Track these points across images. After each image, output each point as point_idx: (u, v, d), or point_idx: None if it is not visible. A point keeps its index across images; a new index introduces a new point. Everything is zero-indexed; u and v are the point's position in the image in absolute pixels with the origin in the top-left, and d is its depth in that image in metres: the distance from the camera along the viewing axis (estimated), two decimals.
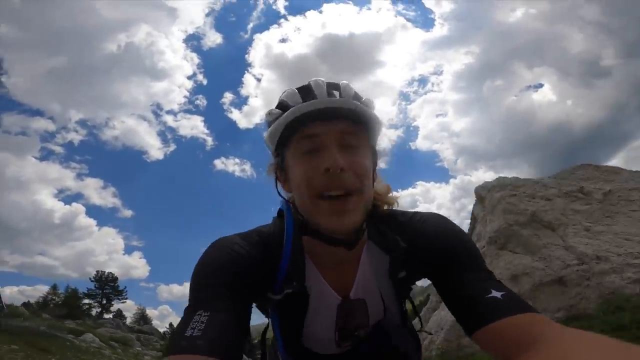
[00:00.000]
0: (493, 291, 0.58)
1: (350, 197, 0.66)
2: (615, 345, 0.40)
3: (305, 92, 0.70)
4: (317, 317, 0.76)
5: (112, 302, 40.31)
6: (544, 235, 6.51)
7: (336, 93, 0.70)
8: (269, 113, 0.75)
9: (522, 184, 8.03)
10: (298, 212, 0.73)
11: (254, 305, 0.72)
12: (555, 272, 5.63)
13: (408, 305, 0.89)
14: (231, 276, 0.63)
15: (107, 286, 39.76)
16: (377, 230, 0.74)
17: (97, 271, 40.87)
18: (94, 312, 37.92)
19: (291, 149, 0.71)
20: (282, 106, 0.72)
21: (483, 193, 8.40)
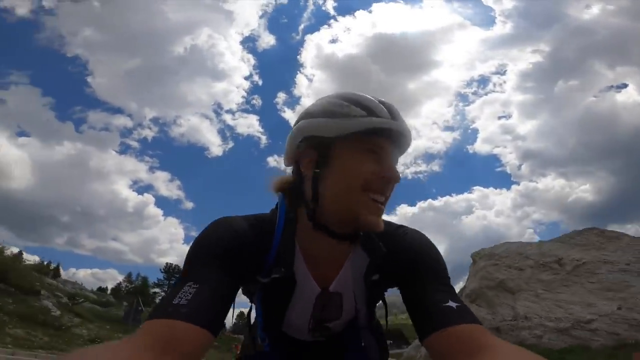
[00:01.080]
0: (450, 301, 0.63)
1: (382, 209, 0.74)
2: (536, 357, 0.50)
3: (388, 107, 0.73)
4: (296, 304, 0.80)
5: None
6: (503, 297, 10.02)
7: (403, 122, 0.75)
8: (348, 107, 0.73)
9: (506, 255, 10.85)
10: (310, 203, 0.75)
11: (239, 290, 0.76)
12: (496, 322, 9.20)
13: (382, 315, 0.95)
14: (225, 252, 0.67)
15: (174, 277, 42.54)
16: (365, 234, 0.78)
17: (167, 263, 45.17)
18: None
19: (356, 143, 0.72)
20: (364, 107, 0.72)
21: (476, 259, 11.91)
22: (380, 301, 0.90)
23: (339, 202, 0.73)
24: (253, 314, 0.92)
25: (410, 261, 0.74)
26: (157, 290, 43.02)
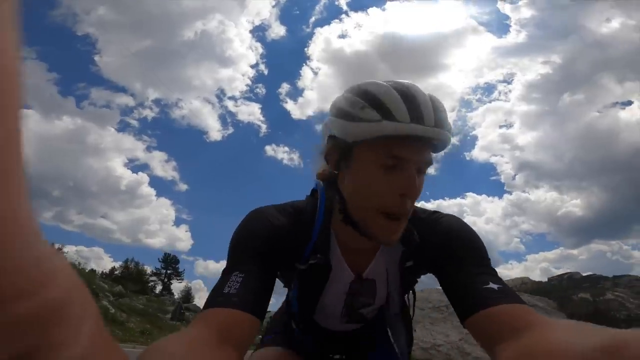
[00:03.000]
0: (491, 283, 0.61)
1: (404, 220, 0.70)
2: (594, 328, 0.43)
3: (413, 107, 0.64)
4: (330, 289, 0.82)
5: (172, 282, 43.84)
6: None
7: (437, 119, 0.65)
8: (362, 108, 0.66)
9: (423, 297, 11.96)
10: (336, 199, 0.75)
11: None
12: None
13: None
14: (266, 243, 0.69)
15: (170, 267, 42.38)
16: None
17: (165, 253, 43.79)
18: (157, 289, 39.90)
19: (370, 153, 0.67)
20: (381, 108, 0.65)
21: None
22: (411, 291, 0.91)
23: (356, 213, 0.72)
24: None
25: (446, 246, 0.72)
26: (154, 279, 42.03)
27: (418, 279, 0.87)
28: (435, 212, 0.82)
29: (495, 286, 0.61)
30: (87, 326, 0.17)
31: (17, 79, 0.12)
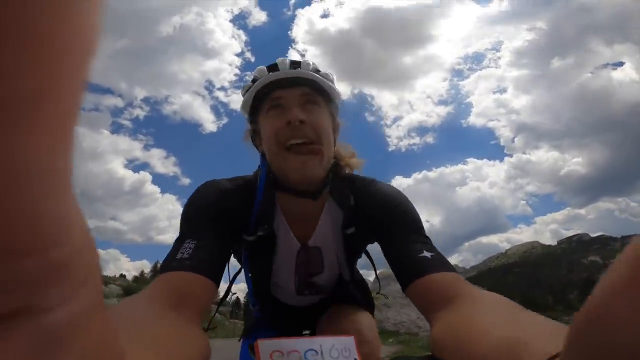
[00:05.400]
0: (425, 252, 0.66)
1: (311, 146, 0.75)
2: (510, 311, 0.48)
3: (272, 67, 0.80)
4: (280, 261, 0.85)
5: None
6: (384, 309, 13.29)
7: (291, 64, 0.80)
8: (243, 87, 0.85)
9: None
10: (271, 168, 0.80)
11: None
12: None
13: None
14: (217, 211, 0.71)
15: None
16: (337, 188, 0.81)
17: None
18: None
19: (262, 114, 0.81)
20: (254, 80, 0.82)
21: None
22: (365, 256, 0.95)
23: (272, 165, 0.79)
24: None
25: (383, 214, 0.76)
26: None
27: (364, 247, 0.92)
28: (374, 181, 0.85)
29: (428, 254, 0.65)
30: (85, 291, 0.16)
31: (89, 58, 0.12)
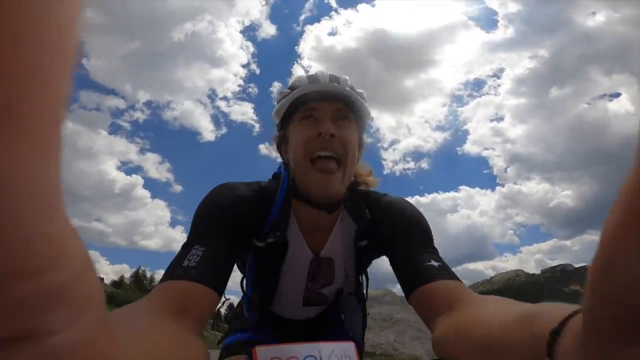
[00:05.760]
0: (432, 261, 0.67)
1: (336, 161, 0.77)
2: (516, 303, 0.47)
3: (312, 78, 0.82)
4: (290, 270, 0.85)
5: None
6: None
7: (330, 79, 0.82)
8: (280, 92, 0.87)
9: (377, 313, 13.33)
10: (292, 177, 0.82)
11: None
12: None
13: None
14: (231, 217, 0.71)
15: None
16: (353, 202, 0.83)
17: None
18: None
19: (293, 122, 0.82)
20: (292, 87, 0.84)
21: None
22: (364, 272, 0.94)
23: (295, 175, 0.81)
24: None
25: (395, 226, 0.78)
26: None
27: (371, 260, 0.92)
28: (386, 195, 0.87)
29: (435, 264, 0.67)
30: (87, 315, 0.16)
31: (72, 51, 0.11)
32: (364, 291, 0.94)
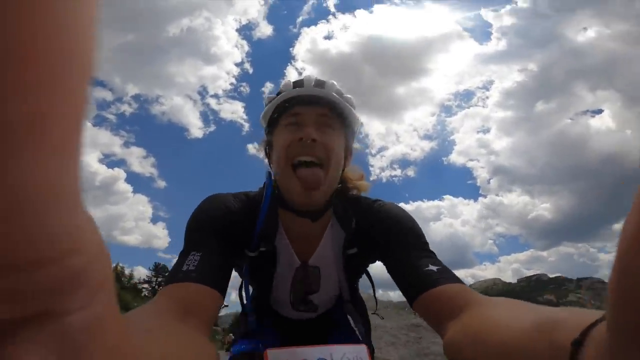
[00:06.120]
0: (430, 265, 0.66)
1: (318, 167, 0.76)
2: (529, 305, 0.45)
3: (298, 83, 0.82)
4: (279, 277, 0.86)
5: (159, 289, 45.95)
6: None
7: (316, 83, 0.82)
8: (266, 97, 0.87)
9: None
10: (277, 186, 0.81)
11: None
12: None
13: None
14: (221, 226, 0.72)
15: (161, 275, 41.43)
16: (342, 209, 0.83)
17: (156, 263, 42.66)
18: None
19: (279, 127, 0.82)
20: (278, 92, 0.84)
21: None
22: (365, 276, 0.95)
23: (280, 183, 0.81)
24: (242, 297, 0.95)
25: (388, 232, 0.77)
26: (145, 286, 38.93)
27: (366, 267, 0.92)
28: (377, 201, 0.86)
29: (434, 268, 0.65)
30: (101, 295, 0.17)
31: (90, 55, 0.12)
32: (375, 300, 0.98)
